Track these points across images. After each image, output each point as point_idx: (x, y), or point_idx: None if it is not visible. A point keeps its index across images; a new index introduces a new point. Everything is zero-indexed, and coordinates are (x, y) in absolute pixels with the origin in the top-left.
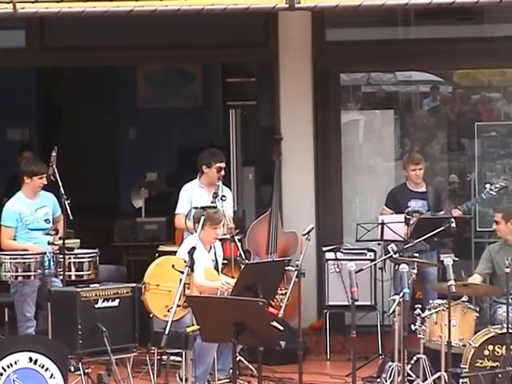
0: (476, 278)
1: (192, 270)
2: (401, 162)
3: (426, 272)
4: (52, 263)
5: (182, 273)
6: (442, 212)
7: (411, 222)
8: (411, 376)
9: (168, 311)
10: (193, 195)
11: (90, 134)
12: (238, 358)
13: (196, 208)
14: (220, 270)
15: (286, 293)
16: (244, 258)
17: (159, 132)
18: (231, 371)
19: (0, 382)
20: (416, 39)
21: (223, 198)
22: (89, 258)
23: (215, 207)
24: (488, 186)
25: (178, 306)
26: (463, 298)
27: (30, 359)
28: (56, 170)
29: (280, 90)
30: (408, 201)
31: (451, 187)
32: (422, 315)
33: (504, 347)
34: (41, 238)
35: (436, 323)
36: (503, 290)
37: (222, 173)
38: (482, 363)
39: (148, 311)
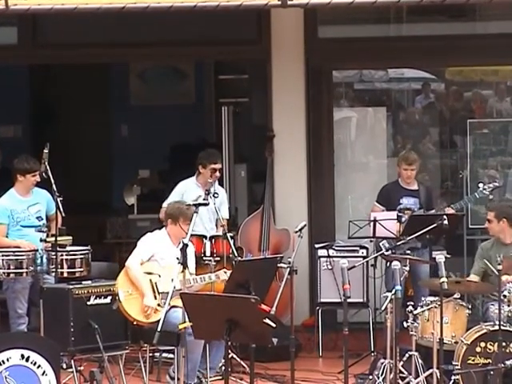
0: (473, 278)
1: (184, 268)
2: (393, 160)
3: (418, 269)
4: (44, 260)
5: (150, 273)
6: (434, 210)
7: (403, 219)
8: (403, 373)
9: (147, 312)
10: (187, 192)
11: (83, 131)
12: (230, 355)
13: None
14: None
15: None
16: (236, 255)
17: (151, 129)
18: (223, 368)
19: None
20: (408, 36)
21: (215, 195)
22: (81, 255)
23: (207, 204)
24: (481, 185)
25: (157, 305)
26: (455, 295)
27: (22, 356)
28: (48, 167)
29: (272, 87)
30: (400, 198)
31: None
32: (414, 312)
33: (496, 344)
34: (32, 235)
35: (428, 320)
36: (495, 287)
37: (218, 174)
38: (473, 360)
39: (130, 319)
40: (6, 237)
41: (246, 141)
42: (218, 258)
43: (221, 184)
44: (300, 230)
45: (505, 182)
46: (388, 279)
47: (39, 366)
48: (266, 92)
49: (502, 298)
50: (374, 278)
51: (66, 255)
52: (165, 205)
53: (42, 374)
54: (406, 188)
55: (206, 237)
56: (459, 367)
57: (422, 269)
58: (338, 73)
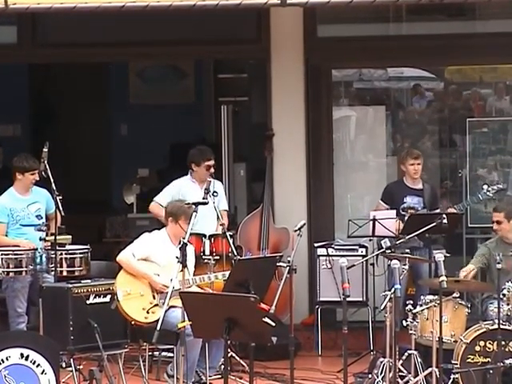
0: (470, 268)
1: (184, 266)
2: (392, 158)
3: (418, 268)
4: (44, 259)
5: None
6: (438, 210)
7: (406, 218)
8: (403, 372)
9: (147, 312)
10: (183, 190)
11: (82, 130)
12: (229, 354)
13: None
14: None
15: None
16: (236, 253)
17: (151, 128)
18: (222, 367)
19: None
20: (408, 35)
21: (215, 194)
22: (80, 254)
23: (206, 203)
24: (485, 187)
25: (155, 305)
26: (455, 294)
27: (22, 355)
28: (47, 166)
29: (272, 86)
30: (404, 197)
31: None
32: (414, 311)
33: (495, 343)
34: (32, 233)
35: (427, 319)
36: (495, 286)
37: (212, 170)
38: (473, 359)
39: (128, 319)
40: (6, 235)
41: (246, 140)
42: (218, 257)
43: (220, 181)
44: (299, 228)
45: (505, 181)
46: (389, 278)
47: (38, 365)
48: (266, 91)
49: (501, 296)
50: (373, 277)
51: (66, 254)
52: (158, 200)
53: (42, 373)
54: (411, 187)
55: (205, 236)
56: (458, 366)
57: (423, 268)
58: (338, 72)
